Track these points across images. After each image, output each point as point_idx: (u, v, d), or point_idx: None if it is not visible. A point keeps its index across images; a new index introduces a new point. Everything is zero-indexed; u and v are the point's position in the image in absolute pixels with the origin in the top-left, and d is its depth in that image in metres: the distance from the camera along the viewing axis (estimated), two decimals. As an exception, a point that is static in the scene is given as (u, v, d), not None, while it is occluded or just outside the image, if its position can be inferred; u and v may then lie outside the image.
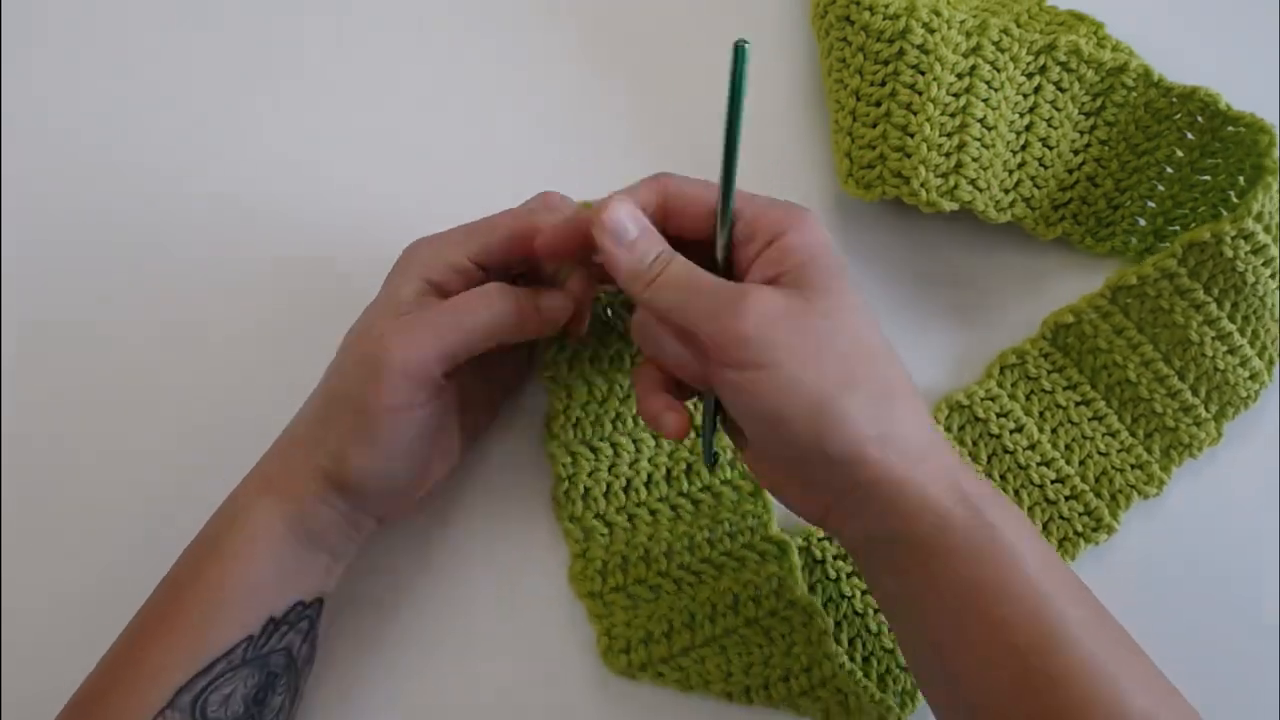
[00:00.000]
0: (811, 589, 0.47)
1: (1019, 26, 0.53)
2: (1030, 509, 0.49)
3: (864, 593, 0.48)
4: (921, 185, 0.48)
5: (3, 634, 0.47)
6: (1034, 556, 0.36)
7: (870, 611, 0.47)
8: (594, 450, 0.47)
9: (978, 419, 0.50)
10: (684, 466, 0.48)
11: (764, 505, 0.48)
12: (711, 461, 0.45)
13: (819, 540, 0.48)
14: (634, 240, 0.38)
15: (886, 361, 0.38)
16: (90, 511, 0.48)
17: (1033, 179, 0.51)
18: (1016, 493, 0.49)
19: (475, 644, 0.46)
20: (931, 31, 0.49)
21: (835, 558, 0.48)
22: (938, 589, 0.36)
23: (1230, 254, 0.47)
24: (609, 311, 0.46)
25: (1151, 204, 0.52)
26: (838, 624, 0.47)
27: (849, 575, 0.48)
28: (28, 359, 0.49)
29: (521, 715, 0.46)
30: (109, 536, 0.47)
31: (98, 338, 0.50)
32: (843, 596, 0.48)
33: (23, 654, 0.47)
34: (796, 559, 0.47)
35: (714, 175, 0.55)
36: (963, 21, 0.49)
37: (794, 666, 0.45)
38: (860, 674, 0.46)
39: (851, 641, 0.47)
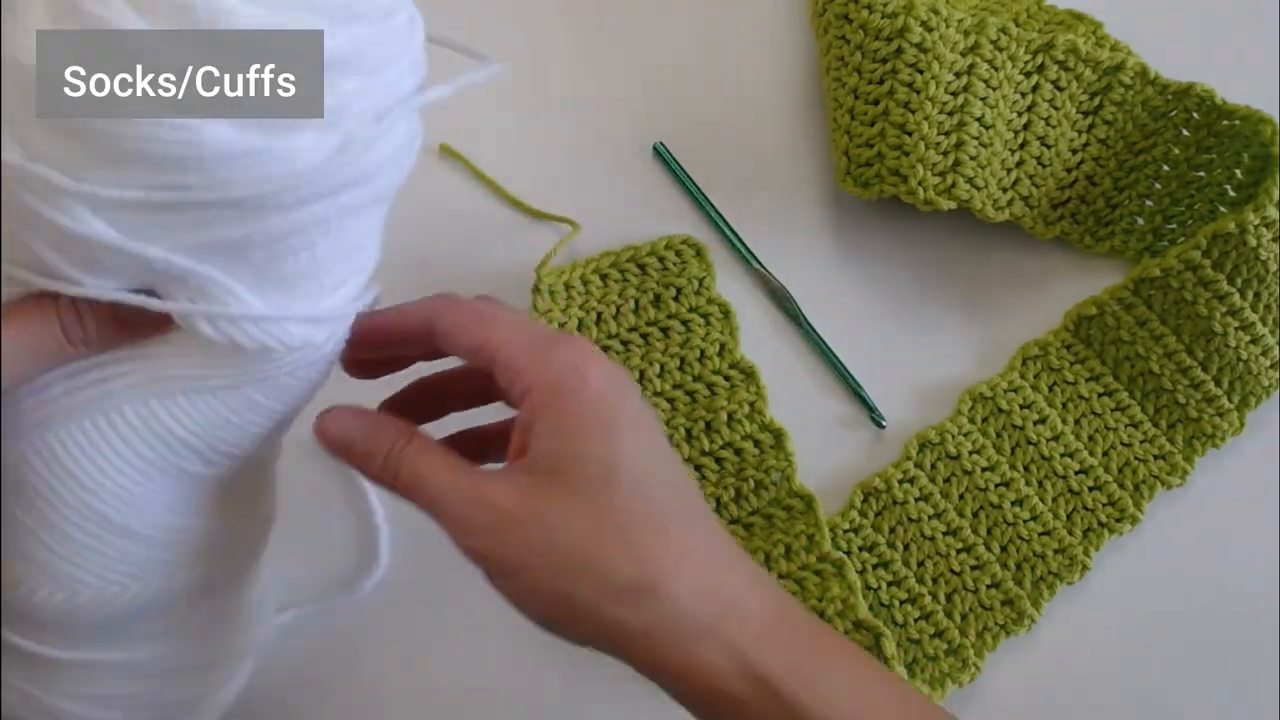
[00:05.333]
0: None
1: (1017, 25, 0.53)
2: (1054, 500, 0.50)
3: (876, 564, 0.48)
4: (919, 184, 0.49)
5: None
6: None
7: (899, 563, 0.48)
8: None
9: (1001, 410, 0.50)
10: (703, 425, 0.49)
11: (785, 457, 0.49)
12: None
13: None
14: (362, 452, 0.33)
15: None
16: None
17: (1031, 178, 0.51)
18: (1040, 484, 0.50)
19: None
20: (930, 30, 0.49)
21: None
22: None
23: (1254, 243, 0.48)
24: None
25: (1150, 203, 0.52)
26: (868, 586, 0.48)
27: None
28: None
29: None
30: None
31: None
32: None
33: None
34: (822, 515, 0.48)
35: (698, 173, 0.55)
36: (961, 20, 0.49)
37: (827, 610, 0.46)
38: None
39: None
